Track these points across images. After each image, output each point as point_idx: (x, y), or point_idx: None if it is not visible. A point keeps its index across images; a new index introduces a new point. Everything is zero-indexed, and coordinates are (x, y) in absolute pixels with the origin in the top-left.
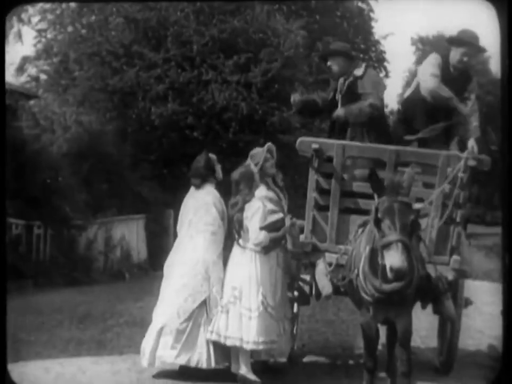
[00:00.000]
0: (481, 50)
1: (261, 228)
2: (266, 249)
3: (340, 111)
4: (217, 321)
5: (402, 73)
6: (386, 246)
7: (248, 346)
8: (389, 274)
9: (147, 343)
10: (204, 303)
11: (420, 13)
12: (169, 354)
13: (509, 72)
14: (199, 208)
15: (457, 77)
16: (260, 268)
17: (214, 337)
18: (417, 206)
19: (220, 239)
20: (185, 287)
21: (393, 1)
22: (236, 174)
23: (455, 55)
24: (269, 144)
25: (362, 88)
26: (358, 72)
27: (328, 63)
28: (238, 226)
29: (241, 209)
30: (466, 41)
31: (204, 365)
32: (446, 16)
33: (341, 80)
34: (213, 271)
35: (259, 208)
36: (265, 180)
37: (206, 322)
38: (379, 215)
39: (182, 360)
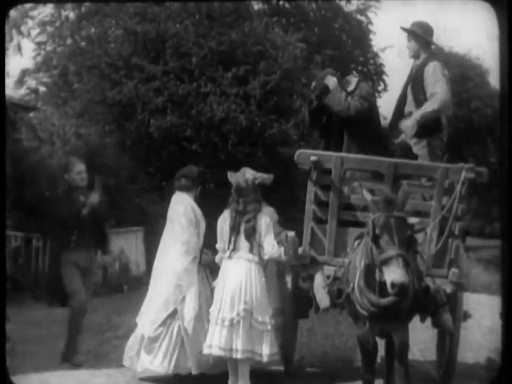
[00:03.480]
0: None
1: (277, 242)
2: (267, 263)
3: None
4: (215, 335)
5: (401, 87)
6: (386, 261)
7: (264, 359)
8: (390, 290)
9: (131, 348)
10: (176, 311)
11: None
12: (147, 360)
13: (510, 74)
14: (173, 218)
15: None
16: (269, 282)
17: (214, 351)
18: (412, 220)
19: (192, 247)
20: (159, 295)
21: (392, 14)
22: (250, 181)
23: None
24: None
25: None
26: (350, 88)
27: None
28: (250, 238)
29: (254, 220)
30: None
31: (178, 371)
32: (446, 24)
33: None
34: (184, 279)
35: (270, 222)
36: None
37: (179, 329)
38: (377, 231)
39: (156, 366)
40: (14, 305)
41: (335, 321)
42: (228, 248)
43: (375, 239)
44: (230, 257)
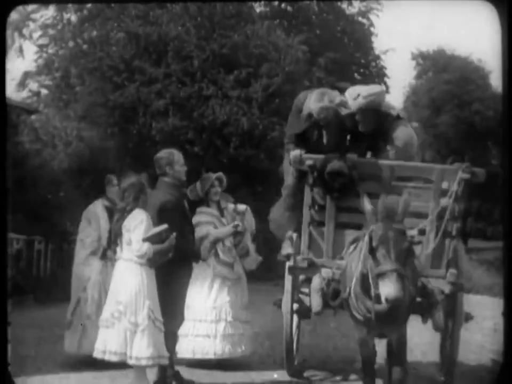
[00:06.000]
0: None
1: (144, 240)
2: (151, 262)
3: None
4: (99, 336)
5: (402, 89)
6: (381, 275)
7: (131, 362)
8: (385, 304)
9: None
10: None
11: (421, 26)
12: None
13: (509, 76)
14: None
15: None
16: (147, 282)
17: (94, 353)
18: (411, 233)
19: (88, 243)
20: None
21: (394, 16)
22: (124, 182)
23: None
24: (219, 173)
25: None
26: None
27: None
28: (117, 236)
29: (122, 219)
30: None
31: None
32: (448, 27)
33: None
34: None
35: (142, 220)
36: (210, 203)
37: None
38: (374, 244)
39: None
40: (16, 307)
41: (337, 323)
42: (109, 247)
43: (372, 251)
44: (116, 257)
